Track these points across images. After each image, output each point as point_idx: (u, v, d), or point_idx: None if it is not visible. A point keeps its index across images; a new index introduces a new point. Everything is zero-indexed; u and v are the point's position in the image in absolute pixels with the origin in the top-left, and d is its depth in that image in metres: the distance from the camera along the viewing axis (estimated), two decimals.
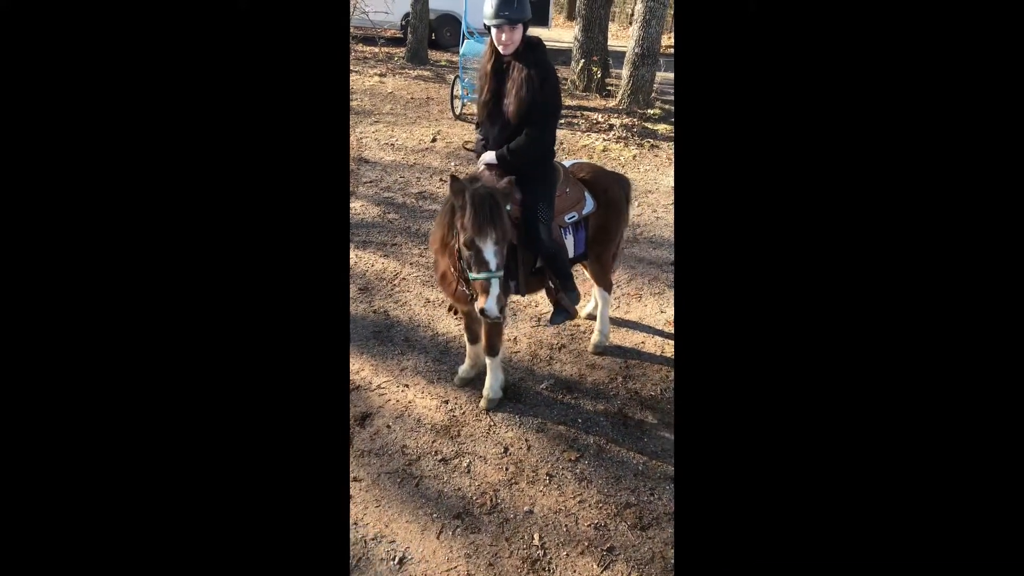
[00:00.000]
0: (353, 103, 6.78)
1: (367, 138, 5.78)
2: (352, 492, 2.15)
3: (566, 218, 2.56)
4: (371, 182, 4.83)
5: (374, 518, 2.08)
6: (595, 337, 2.98)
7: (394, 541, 2.01)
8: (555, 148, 2.54)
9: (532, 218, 2.38)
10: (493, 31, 2.27)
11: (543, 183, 2.44)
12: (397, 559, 1.95)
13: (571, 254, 2.60)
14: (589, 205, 2.64)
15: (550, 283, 2.52)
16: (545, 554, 1.95)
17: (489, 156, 2.42)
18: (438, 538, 2.01)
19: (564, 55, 9.69)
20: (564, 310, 2.58)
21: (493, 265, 2.05)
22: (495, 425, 2.46)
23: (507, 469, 2.26)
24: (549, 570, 1.91)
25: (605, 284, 2.88)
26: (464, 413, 2.53)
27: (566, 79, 8.55)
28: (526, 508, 2.11)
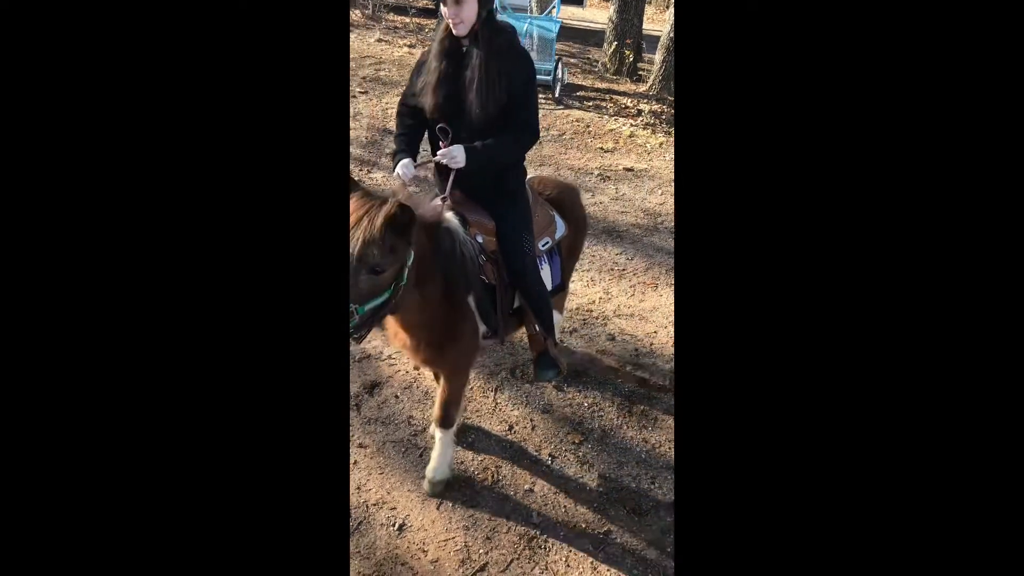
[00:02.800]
0: (381, 73, 6.74)
1: (392, 108, 5.76)
2: (356, 458, 2.19)
3: (540, 245, 2.11)
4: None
5: (377, 484, 2.12)
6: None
7: (395, 508, 2.05)
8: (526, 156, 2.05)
9: (514, 251, 1.94)
10: (442, 4, 1.77)
11: (519, 205, 1.99)
12: (397, 525, 1.99)
13: (549, 286, 2.16)
14: (560, 228, 2.24)
15: (535, 328, 2.08)
16: (542, 532, 1.98)
17: (453, 151, 1.80)
18: (438, 509, 2.04)
19: (597, 36, 9.51)
20: (552, 363, 2.12)
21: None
22: (501, 403, 2.48)
23: (510, 447, 2.28)
24: (545, 548, 1.93)
25: (561, 307, 2.56)
26: (472, 388, 2.54)
27: (597, 61, 8.41)
28: (526, 487, 2.13)
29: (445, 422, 2.02)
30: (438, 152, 1.84)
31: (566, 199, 2.32)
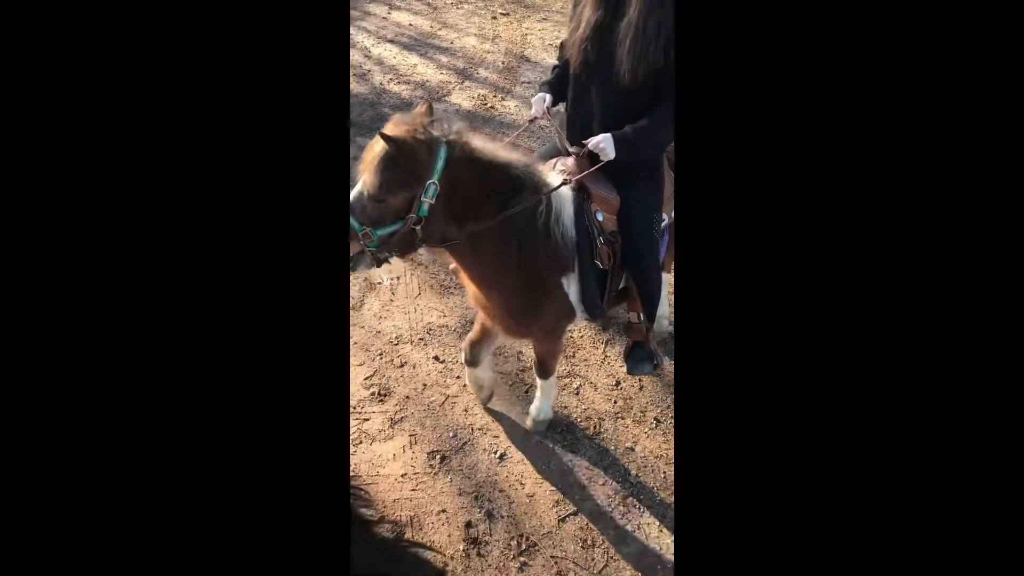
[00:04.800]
0: None
1: (532, 35, 5.56)
2: (467, 382, 2.27)
3: (662, 223, 1.82)
4: (529, 83, 4.70)
5: (483, 410, 2.20)
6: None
7: (498, 436, 2.12)
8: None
9: (640, 232, 1.69)
10: None
11: (655, 183, 1.73)
12: (498, 453, 2.07)
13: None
14: None
15: (638, 316, 1.87)
16: (638, 492, 1.98)
17: (602, 141, 1.59)
18: (538, 446, 2.09)
19: None
20: (649, 356, 1.91)
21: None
22: (611, 358, 2.46)
23: (615, 402, 2.27)
24: (639, 508, 1.94)
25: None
26: (583, 337, 2.53)
27: None
28: (627, 444, 2.13)
29: (542, 373, 2.00)
30: (588, 141, 1.62)
31: None
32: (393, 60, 4.87)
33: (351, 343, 2.43)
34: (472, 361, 2.04)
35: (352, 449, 2.06)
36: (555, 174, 1.67)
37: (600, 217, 1.67)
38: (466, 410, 2.20)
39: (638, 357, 1.91)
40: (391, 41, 5.15)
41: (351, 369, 2.33)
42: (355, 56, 4.83)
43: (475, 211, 1.52)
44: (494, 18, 5.76)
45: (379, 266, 1.53)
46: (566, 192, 1.64)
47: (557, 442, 2.11)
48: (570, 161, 1.71)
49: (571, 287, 1.71)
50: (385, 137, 1.38)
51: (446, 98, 4.38)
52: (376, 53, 4.94)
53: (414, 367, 2.36)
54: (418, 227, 1.46)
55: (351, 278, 2.61)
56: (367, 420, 2.16)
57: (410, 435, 2.12)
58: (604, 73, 1.57)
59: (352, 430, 2.12)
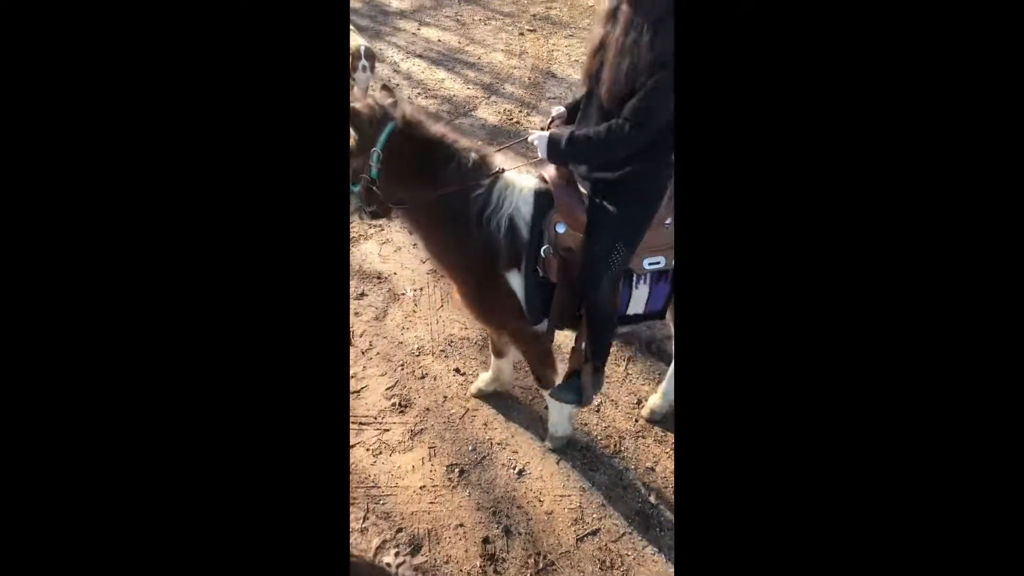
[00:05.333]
0: (551, 11, 6.56)
1: (559, 51, 5.61)
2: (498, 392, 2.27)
3: (646, 263, 1.71)
4: (555, 98, 4.73)
5: (502, 425, 2.19)
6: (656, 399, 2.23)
7: (517, 452, 2.11)
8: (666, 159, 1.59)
9: (596, 259, 1.64)
10: None
11: (629, 211, 1.62)
12: (517, 469, 2.06)
13: (635, 309, 1.80)
14: None
15: (581, 343, 1.81)
16: (659, 513, 1.95)
17: (537, 138, 1.64)
18: (557, 464, 2.07)
19: None
20: (578, 389, 1.84)
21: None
22: (633, 375, 2.44)
23: (636, 421, 2.25)
24: (658, 527, 1.91)
25: None
26: None
27: None
28: (648, 464, 2.10)
29: (541, 383, 2.00)
30: (531, 135, 1.68)
31: None
32: (421, 75, 4.94)
33: (373, 353, 2.45)
34: (498, 352, 2.14)
35: (372, 460, 2.07)
36: (523, 174, 1.75)
37: (560, 228, 1.67)
38: (486, 424, 2.19)
39: (567, 386, 1.87)
40: (420, 56, 5.24)
41: (373, 379, 2.34)
42: (384, 71, 4.92)
43: (413, 181, 1.69)
44: (521, 34, 5.83)
45: (365, 217, 1.81)
46: (526, 191, 1.70)
47: (576, 460, 2.10)
48: (551, 168, 1.73)
49: (514, 283, 1.74)
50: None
51: (472, 112, 4.43)
52: (405, 68, 5.03)
53: (435, 379, 2.37)
54: (374, 187, 1.70)
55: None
56: (387, 431, 2.16)
57: (429, 447, 2.12)
58: (599, 89, 1.60)
59: (372, 440, 2.13)
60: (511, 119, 4.38)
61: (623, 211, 1.62)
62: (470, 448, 2.12)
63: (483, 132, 4.09)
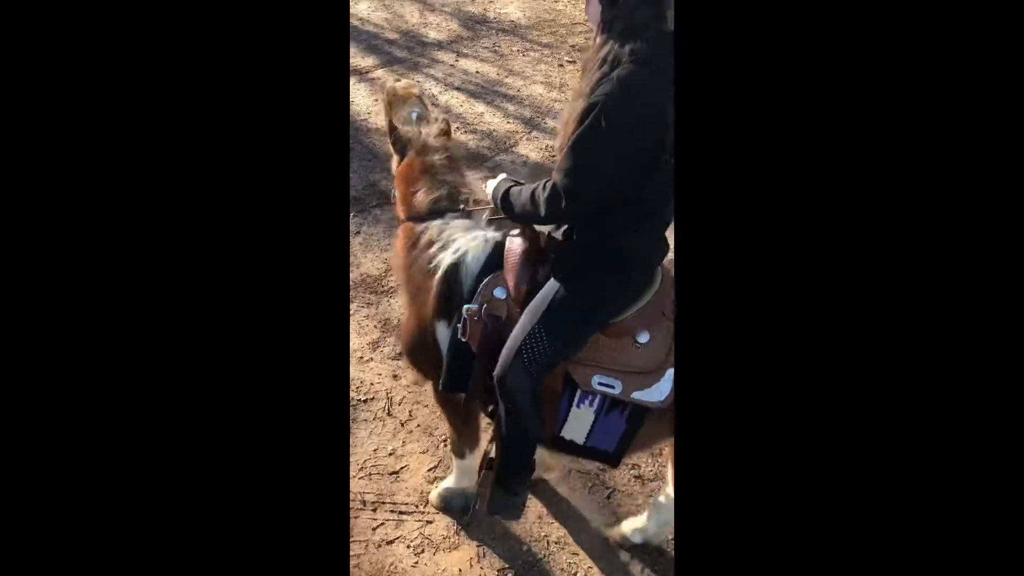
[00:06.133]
0: (591, 41, 6.41)
1: None
2: (538, 481, 2.01)
3: (596, 380, 1.35)
4: None
5: (560, 518, 1.93)
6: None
7: (578, 554, 1.85)
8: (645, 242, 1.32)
9: (513, 340, 1.34)
10: None
11: (577, 298, 1.30)
12: (578, 575, 1.79)
13: (573, 436, 1.46)
14: (666, 389, 1.33)
15: (499, 451, 1.51)
16: None
17: (492, 186, 1.44)
18: (624, 568, 1.80)
19: None
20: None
21: None
22: None
23: None
24: None
25: None
26: None
27: None
28: None
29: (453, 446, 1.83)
30: (495, 179, 1.47)
31: None
32: (460, 108, 4.81)
33: (414, 425, 2.22)
34: (459, 452, 1.84)
35: (414, 559, 1.83)
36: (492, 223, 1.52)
37: (498, 293, 1.40)
38: (540, 518, 1.94)
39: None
40: (458, 88, 5.11)
41: (413, 457, 2.11)
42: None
43: (404, 190, 1.67)
44: (560, 65, 5.67)
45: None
46: (482, 241, 1.48)
47: (647, 564, 1.82)
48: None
49: (443, 343, 1.51)
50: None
51: (513, 148, 4.26)
52: (443, 101, 4.90)
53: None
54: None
55: None
56: (430, 523, 1.92)
57: (478, 545, 1.87)
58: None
59: (414, 535, 1.88)
60: (553, 156, 4.18)
61: (569, 298, 1.30)
62: (523, 548, 1.86)
63: (525, 170, 3.89)
